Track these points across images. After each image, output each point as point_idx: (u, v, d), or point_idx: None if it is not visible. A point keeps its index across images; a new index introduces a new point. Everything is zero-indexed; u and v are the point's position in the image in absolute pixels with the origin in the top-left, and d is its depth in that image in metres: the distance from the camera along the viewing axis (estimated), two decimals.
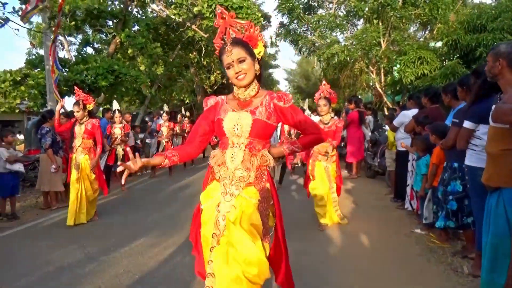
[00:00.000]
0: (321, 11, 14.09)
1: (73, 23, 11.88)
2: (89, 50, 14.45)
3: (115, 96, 11.59)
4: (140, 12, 14.42)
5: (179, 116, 12.66)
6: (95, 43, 14.97)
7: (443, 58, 9.97)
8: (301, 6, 13.29)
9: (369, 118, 9.66)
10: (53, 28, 8.81)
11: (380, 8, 11.03)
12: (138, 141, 8.75)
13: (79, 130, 5.38)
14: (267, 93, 2.16)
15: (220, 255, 2.00)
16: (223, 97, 2.25)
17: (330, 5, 13.98)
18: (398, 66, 10.23)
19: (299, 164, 5.45)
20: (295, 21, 13.38)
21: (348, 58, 11.34)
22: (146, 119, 14.34)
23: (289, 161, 7.59)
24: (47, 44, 8.85)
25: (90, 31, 14.30)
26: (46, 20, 9.35)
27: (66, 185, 6.13)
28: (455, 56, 9.38)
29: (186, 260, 3.79)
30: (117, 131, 7.69)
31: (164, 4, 13.02)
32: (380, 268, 3.60)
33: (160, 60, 15.37)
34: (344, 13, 13.45)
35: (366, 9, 11.65)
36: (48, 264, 3.86)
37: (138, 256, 4.02)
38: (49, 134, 6.14)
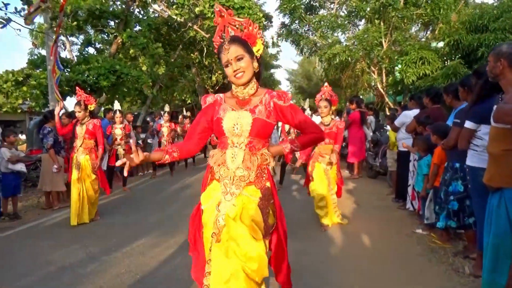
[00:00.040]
0: (322, 11, 14.08)
1: (75, 23, 11.89)
2: (91, 50, 14.46)
3: (117, 96, 11.60)
4: (142, 12, 14.43)
5: (180, 116, 12.67)
6: (97, 43, 14.96)
7: (445, 58, 9.95)
8: (302, 6, 13.28)
9: (371, 118, 9.66)
10: (55, 29, 8.83)
11: (381, 8, 11.01)
12: (140, 141, 8.75)
13: (80, 130, 5.39)
14: (267, 91, 2.15)
15: (219, 250, 1.99)
16: (221, 95, 2.23)
17: (332, 5, 13.97)
18: (399, 66, 10.21)
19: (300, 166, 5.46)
20: (297, 21, 13.38)
21: (349, 58, 11.32)
22: (148, 119, 14.36)
23: (289, 160, 7.58)
24: (49, 44, 8.87)
25: (92, 31, 14.31)
26: (48, 21, 9.37)
27: (68, 185, 6.14)
28: (457, 56, 9.36)
29: (187, 260, 3.78)
30: (118, 131, 7.69)
31: (165, 4, 13.01)
32: (381, 268, 3.60)
33: (162, 60, 15.38)
34: (346, 13, 13.44)
35: (368, 9, 11.64)
36: (49, 264, 3.87)
37: (140, 256, 4.03)
38: (51, 134, 6.15)
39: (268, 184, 2.14)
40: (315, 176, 4.84)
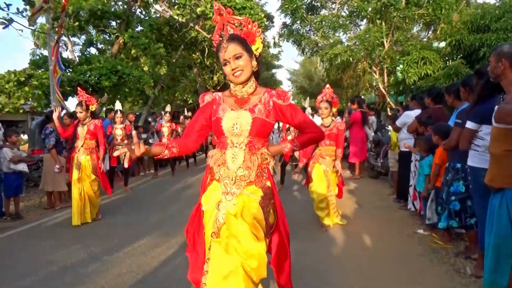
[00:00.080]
0: (324, 12, 14.10)
1: (77, 23, 11.93)
2: (93, 50, 14.50)
3: (119, 96, 11.62)
4: (143, 12, 14.44)
5: (181, 117, 12.67)
6: (98, 44, 15.00)
7: (447, 58, 9.95)
8: (304, 6, 13.29)
9: (372, 119, 9.65)
10: (57, 29, 8.85)
11: (383, 8, 11.01)
12: (141, 141, 8.75)
13: (81, 131, 5.40)
14: (266, 90, 2.13)
15: (219, 246, 1.96)
16: (219, 94, 2.21)
17: (333, 6, 13.98)
18: (401, 66, 10.22)
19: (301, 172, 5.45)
20: (298, 22, 13.39)
21: (351, 59, 11.33)
22: (149, 119, 14.38)
23: (288, 158, 7.57)
24: (50, 44, 8.89)
25: (93, 32, 14.35)
26: (49, 21, 9.39)
27: (70, 185, 6.16)
28: (459, 56, 9.36)
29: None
30: (118, 131, 7.68)
31: (167, 4, 13.03)
32: (382, 269, 3.59)
33: (163, 60, 15.40)
34: (347, 13, 13.45)
35: (369, 9, 11.64)
36: (51, 264, 3.88)
37: (141, 256, 4.04)
38: (52, 134, 6.17)
39: (268, 183, 2.13)
40: (315, 177, 4.82)
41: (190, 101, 21.34)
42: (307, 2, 13.75)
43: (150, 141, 10.06)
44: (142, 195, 7.71)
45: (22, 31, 9.29)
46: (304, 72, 30.30)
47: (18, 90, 9.91)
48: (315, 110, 7.53)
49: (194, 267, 2.22)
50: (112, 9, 12.55)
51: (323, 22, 12.63)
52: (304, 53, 14.52)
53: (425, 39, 12.55)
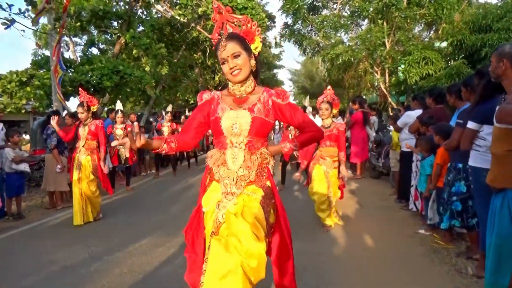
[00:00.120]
0: (325, 12, 14.10)
1: (78, 24, 11.94)
2: (94, 50, 14.52)
3: (120, 96, 11.64)
4: (145, 13, 14.45)
5: (182, 117, 12.69)
6: (100, 44, 15.02)
7: (448, 58, 9.94)
8: (305, 6, 13.28)
9: (374, 119, 9.65)
10: (58, 29, 8.87)
11: (384, 8, 11.00)
12: None
13: (83, 131, 5.40)
14: (264, 89, 2.12)
15: (219, 243, 1.91)
16: (218, 93, 2.20)
17: (335, 6, 13.97)
18: (402, 66, 10.21)
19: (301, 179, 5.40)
20: (300, 22, 13.38)
21: (352, 59, 11.33)
22: (151, 119, 14.39)
23: (288, 157, 7.56)
24: (52, 45, 8.92)
25: (95, 32, 14.36)
26: (51, 21, 9.41)
27: (71, 185, 6.16)
28: (460, 56, 9.35)
29: None
30: (119, 131, 7.68)
31: (168, 5, 13.05)
32: (384, 269, 3.59)
33: (165, 60, 15.39)
34: (349, 13, 13.43)
35: (371, 9, 11.63)
36: (53, 264, 3.89)
37: (142, 256, 4.04)
38: (54, 135, 6.18)
39: (268, 183, 2.12)
40: (315, 178, 4.80)
41: (192, 101, 21.35)
42: (309, 2, 13.74)
43: None
44: (143, 195, 7.72)
45: (24, 31, 9.33)
46: (306, 72, 30.31)
47: (20, 90, 9.92)
48: (316, 110, 7.53)
49: (192, 268, 2.21)
50: (114, 10, 12.56)
51: (325, 22, 12.64)
52: (306, 53, 14.53)
53: (426, 39, 12.54)
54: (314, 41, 13.37)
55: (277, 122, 8.09)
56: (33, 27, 9.15)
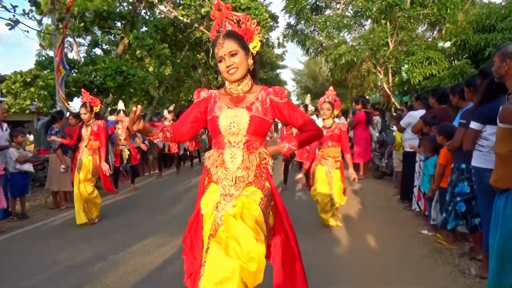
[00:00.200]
0: (328, 12, 14.06)
1: (82, 24, 12.00)
2: (98, 51, 14.58)
3: (123, 97, 11.67)
4: (148, 13, 14.51)
5: None
6: (103, 44, 15.08)
7: (452, 58, 9.88)
8: (308, 6, 13.26)
9: (377, 119, 9.63)
10: (61, 30, 8.91)
11: (388, 8, 10.96)
12: (146, 141, 8.81)
13: (85, 132, 5.41)
14: (262, 88, 2.09)
15: (218, 246, 1.88)
16: (215, 91, 2.17)
17: (338, 6, 13.94)
18: (406, 66, 10.16)
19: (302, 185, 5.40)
20: (302, 22, 13.36)
21: (355, 59, 11.29)
22: (154, 119, 14.42)
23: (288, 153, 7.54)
24: (56, 45, 8.96)
25: (98, 33, 14.41)
26: (55, 22, 9.46)
27: None
28: (464, 56, 9.30)
29: None
30: (121, 131, 7.71)
31: (172, 5, 13.08)
32: (386, 269, 3.59)
33: (168, 61, 15.44)
34: (352, 13, 13.39)
35: (374, 9, 11.59)
36: (57, 263, 3.91)
37: (146, 256, 4.06)
38: (58, 135, 6.22)
39: (267, 184, 2.09)
40: (318, 179, 4.78)
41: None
42: (312, 2, 13.72)
43: (155, 141, 10.08)
44: (146, 195, 7.74)
45: (28, 32, 9.39)
46: (309, 72, 30.27)
47: (24, 91, 9.98)
48: (318, 111, 7.54)
49: (190, 271, 2.18)
50: (117, 10, 12.62)
51: (328, 22, 12.59)
52: (309, 53, 14.49)
53: (430, 39, 12.48)
54: (317, 41, 13.33)
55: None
56: (37, 28, 9.20)
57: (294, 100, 35.07)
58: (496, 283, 2.46)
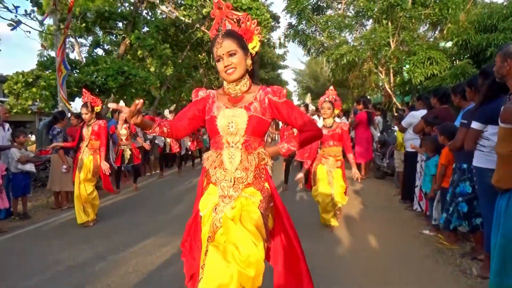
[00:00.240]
0: (329, 12, 14.06)
1: (84, 25, 12.03)
2: (100, 51, 14.61)
3: (125, 97, 11.69)
4: (150, 13, 14.53)
5: None
6: (105, 45, 15.11)
7: (453, 58, 9.88)
8: (309, 6, 13.26)
9: (378, 119, 9.62)
10: (63, 30, 8.93)
11: (389, 8, 10.95)
12: (148, 141, 8.82)
13: (86, 132, 5.42)
14: (260, 87, 2.07)
15: (217, 251, 1.86)
16: (213, 91, 2.15)
17: (339, 6, 13.94)
18: (407, 66, 10.16)
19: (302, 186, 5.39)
20: (304, 22, 13.36)
21: (356, 59, 11.29)
22: None
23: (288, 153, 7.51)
24: (57, 46, 8.98)
25: (100, 33, 14.45)
26: (56, 22, 9.48)
27: None
28: (465, 56, 9.29)
29: None
30: (123, 131, 7.70)
31: (173, 5, 13.10)
32: (388, 269, 3.59)
33: (170, 61, 15.45)
34: (353, 13, 13.39)
35: (375, 9, 11.59)
36: (58, 263, 3.92)
37: (147, 256, 4.06)
38: (60, 135, 6.22)
39: (266, 185, 2.06)
40: (319, 179, 4.77)
41: None
42: (313, 3, 13.72)
43: (156, 141, 10.10)
44: (148, 195, 7.74)
45: (29, 32, 9.39)
46: (310, 73, 30.28)
47: (26, 91, 10.00)
48: (318, 110, 7.53)
49: (190, 272, 2.17)
50: (119, 10, 12.64)
51: (329, 22, 12.59)
52: (310, 53, 14.49)
53: (431, 39, 12.47)
54: (319, 41, 13.34)
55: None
56: (39, 28, 9.22)
57: (295, 100, 35.06)
58: (498, 283, 2.46)
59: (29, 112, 11.66)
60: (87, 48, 15.15)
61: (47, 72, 10.32)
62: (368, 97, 12.52)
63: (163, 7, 13.12)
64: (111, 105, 1.78)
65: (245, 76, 2.04)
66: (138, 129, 8.20)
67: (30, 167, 6.08)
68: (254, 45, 2.05)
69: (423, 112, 5.39)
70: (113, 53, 14.24)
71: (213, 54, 2.01)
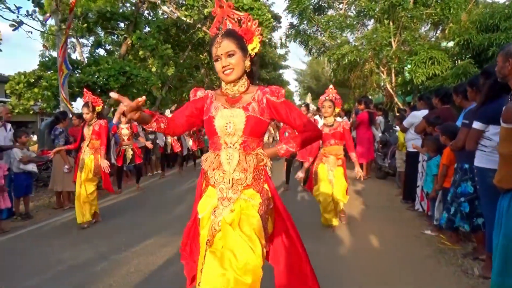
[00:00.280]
0: (331, 12, 14.06)
1: (85, 25, 12.05)
2: (101, 51, 14.64)
3: (127, 97, 11.69)
4: (151, 14, 14.54)
5: None
6: (106, 45, 15.13)
7: (455, 58, 9.87)
8: (311, 6, 13.26)
9: (380, 119, 9.60)
10: (64, 30, 8.95)
11: (391, 8, 10.94)
12: (149, 141, 8.82)
13: (87, 131, 5.42)
14: (259, 88, 2.03)
15: (214, 257, 1.83)
16: (212, 92, 2.12)
17: (340, 6, 13.93)
18: (409, 66, 10.16)
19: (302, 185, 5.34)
20: (305, 22, 13.36)
21: (358, 59, 11.28)
22: None
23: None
24: (59, 46, 9.00)
25: (102, 33, 14.47)
26: (58, 23, 9.50)
27: None
28: (467, 56, 9.28)
29: None
30: (124, 131, 7.71)
31: (175, 6, 13.11)
32: (390, 269, 3.58)
33: (171, 61, 15.47)
34: (355, 13, 13.39)
35: (377, 9, 11.58)
36: (60, 263, 3.92)
37: (149, 256, 4.06)
38: (62, 135, 6.24)
39: (266, 186, 2.02)
40: (320, 178, 4.76)
41: None
42: (314, 3, 13.71)
43: (157, 141, 10.11)
44: (149, 195, 7.75)
45: (31, 33, 9.40)
46: (311, 73, 30.28)
47: (28, 91, 10.01)
48: (319, 110, 7.51)
49: (191, 275, 2.16)
50: (120, 11, 12.65)
51: (330, 22, 12.59)
52: (311, 53, 14.50)
53: (433, 39, 12.47)
54: (320, 41, 13.34)
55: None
56: (41, 29, 9.24)
57: (297, 100, 35.03)
58: (500, 284, 2.45)
59: (31, 112, 11.68)
60: (89, 48, 15.22)
61: (49, 72, 10.34)
62: (370, 97, 12.51)
63: (164, 7, 13.12)
64: (113, 95, 1.75)
65: (243, 77, 2.01)
66: (140, 129, 8.22)
67: (32, 167, 6.09)
68: (254, 47, 2.03)
69: (425, 112, 5.38)
70: (115, 53, 14.26)
71: (211, 53, 1.98)
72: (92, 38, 15.23)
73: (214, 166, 1.99)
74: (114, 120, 1.69)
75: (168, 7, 12.99)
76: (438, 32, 13.03)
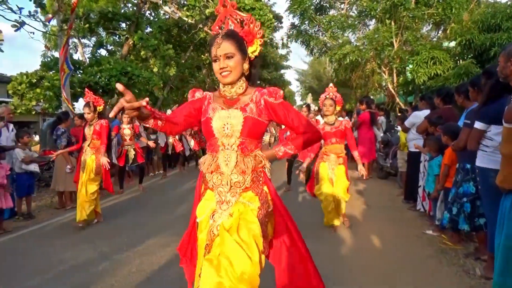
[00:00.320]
0: (332, 12, 14.05)
1: (87, 25, 12.08)
2: (103, 52, 14.69)
3: None
4: (153, 14, 14.59)
5: None
6: (108, 45, 15.17)
7: (457, 58, 9.85)
8: (312, 6, 13.25)
9: (382, 119, 9.60)
10: (66, 31, 8.97)
11: (392, 8, 10.93)
12: (151, 142, 8.82)
13: (88, 131, 5.42)
14: (257, 89, 2.01)
15: (210, 265, 1.80)
16: (210, 93, 2.10)
17: (342, 6, 13.93)
18: (410, 66, 10.13)
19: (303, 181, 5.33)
20: (307, 22, 13.36)
21: (359, 59, 11.28)
22: None
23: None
24: (61, 46, 9.02)
25: (103, 34, 14.50)
26: (59, 23, 9.52)
27: None
28: (469, 56, 9.27)
29: None
30: (126, 131, 7.70)
31: (176, 6, 13.13)
32: (391, 269, 3.58)
33: (173, 61, 15.49)
34: (356, 13, 13.38)
35: (378, 9, 11.57)
36: (62, 263, 3.93)
37: (151, 256, 4.07)
38: (64, 135, 6.25)
39: (265, 188, 1.99)
40: (323, 177, 4.75)
41: None
42: (316, 3, 13.71)
43: (159, 141, 10.12)
44: (151, 195, 7.76)
45: (33, 33, 9.46)
46: (313, 73, 30.26)
47: (30, 92, 10.05)
48: (320, 110, 7.50)
49: (191, 279, 2.13)
50: (122, 11, 12.69)
51: (332, 22, 12.59)
52: (313, 53, 14.49)
53: (435, 39, 12.44)
54: (321, 41, 13.34)
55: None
56: (43, 29, 9.27)
57: (298, 100, 35.01)
58: (501, 284, 2.45)
59: (33, 112, 11.72)
60: (91, 48, 15.23)
61: (51, 72, 10.38)
62: (371, 97, 12.50)
63: (166, 8, 13.15)
64: (118, 86, 1.69)
65: (241, 79, 1.99)
66: (142, 129, 8.23)
67: (34, 167, 6.11)
68: (254, 49, 2.00)
69: (427, 112, 5.38)
70: (116, 53, 14.29)
71: (210, 53, 1.95)
72: (94, 39, 15.27)
73: (212, 169, 1.96)
74: (111, 114, 1.58)
75: (169, 8, 13.02)
76: (440, 32, 13.01)
